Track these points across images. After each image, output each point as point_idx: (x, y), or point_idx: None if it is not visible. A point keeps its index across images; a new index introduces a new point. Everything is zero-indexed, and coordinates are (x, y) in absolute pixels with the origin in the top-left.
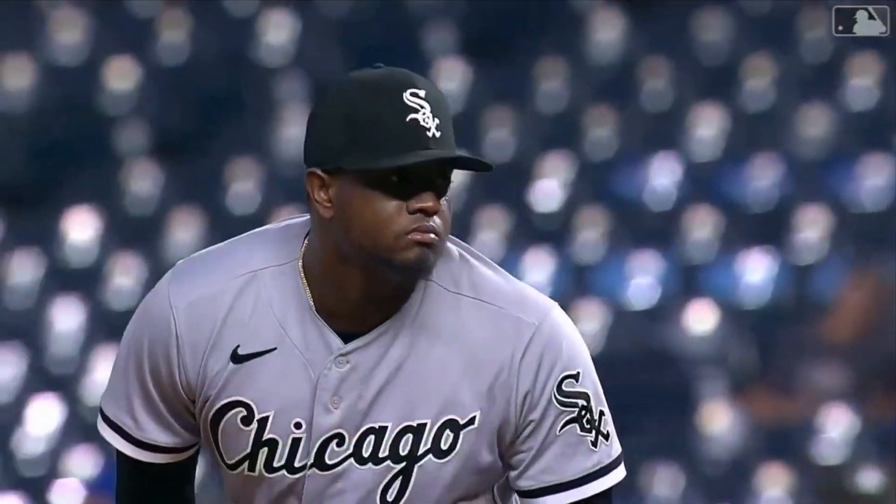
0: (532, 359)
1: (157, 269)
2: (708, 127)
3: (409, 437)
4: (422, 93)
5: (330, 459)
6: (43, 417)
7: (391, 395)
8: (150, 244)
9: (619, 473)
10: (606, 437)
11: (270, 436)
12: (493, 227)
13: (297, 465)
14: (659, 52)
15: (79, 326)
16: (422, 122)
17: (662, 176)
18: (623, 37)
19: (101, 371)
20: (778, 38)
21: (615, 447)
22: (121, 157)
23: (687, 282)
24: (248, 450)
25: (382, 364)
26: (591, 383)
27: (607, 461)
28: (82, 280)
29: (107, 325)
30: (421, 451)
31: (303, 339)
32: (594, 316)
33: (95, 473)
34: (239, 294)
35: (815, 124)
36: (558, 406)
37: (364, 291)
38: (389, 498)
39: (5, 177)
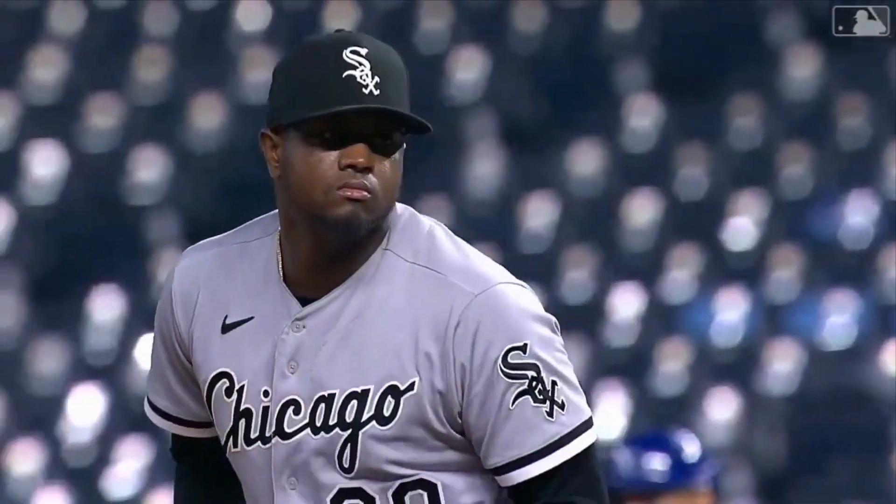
0: (467, 328)
1: None
2: None
3: (355, 403)
4: (363, 51)
5: (289, 428)
6: (87, 407)
7: (339, 361)
8: None
9: (584, 440)
10: (562, 406)
11: (246, 405)
12: (685, 265)
13: (267, 434)
14: (855, 89)
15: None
16: (358, 79)
17: (858, 214)
18: (818, 73)
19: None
20: None
21: (576, 415)
22: None
23: (884, 321)
24: (231, 423)
25: (333, 330)
26: (541, 354)
27: (566, 430)
28: None
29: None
30: (364, 417)
31: (271, 307)
32: (788, 356)
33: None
34: (226, 262)
35: None
36: (505, 379)
37: (313, 254)
38: (345, 465)
39: (197, 212)
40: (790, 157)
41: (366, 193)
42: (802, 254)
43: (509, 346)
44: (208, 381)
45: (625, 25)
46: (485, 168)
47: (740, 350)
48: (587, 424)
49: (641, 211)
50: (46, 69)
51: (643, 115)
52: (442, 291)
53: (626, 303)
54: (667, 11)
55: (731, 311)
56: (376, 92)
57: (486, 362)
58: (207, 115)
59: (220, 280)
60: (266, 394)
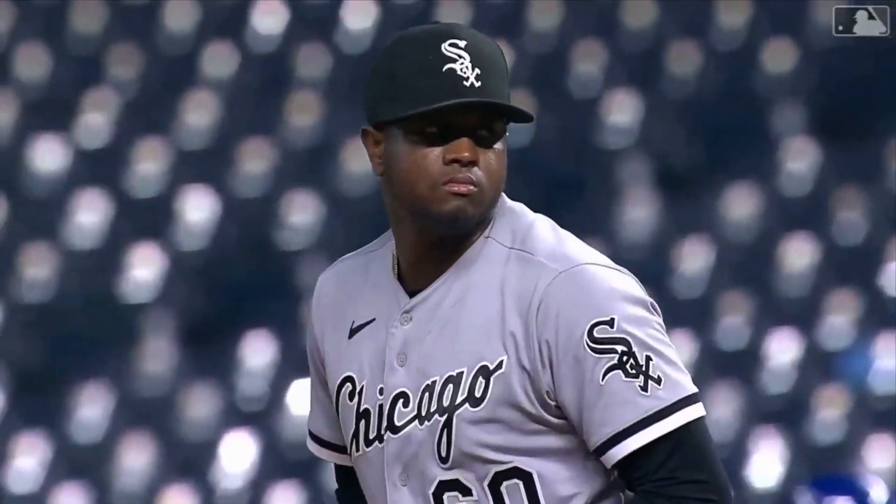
0: (549, 305)
1: None
2: None
3: (451, 387)
4: (462, 43)
5: (399, 421)
6: (239, 453)
7: (440, 347)
8: None
9: (686, 415)
10: (658, 381)
11: (365, 406)
12: (843, 311)
13: (381, 431)
14: None
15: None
16: (458, 72)
17: None
18: None
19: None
20: None
21: (675, 390)
22: None
23: None
24: (353, 426)
25: (435, 318)
26: (632, 330)
27: (664, 404)
28: None
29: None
30: (458, 400)
31: (387, 304)
32: None
33: None
34: (355, 271)
35: None
36: (593, 354)
37: (419, 246)
38: (442, 453)
39: None
40: None
41: (472, 187)
42: None
43: (595, 320)
44: (336, 388)
45: (781, 67)
46: (639, 212)
47: None
48: (690, 400)
49: (798, 255)
50: (199, 114)
51: (800, 158)
52: (528, 270)
53: (783, 349)
54: (824, 53)
55: (890, 358)
56: (477, 84)
57: (571, 339)
58: (360, 159)
59: (350, 289)
60: (381, 391)
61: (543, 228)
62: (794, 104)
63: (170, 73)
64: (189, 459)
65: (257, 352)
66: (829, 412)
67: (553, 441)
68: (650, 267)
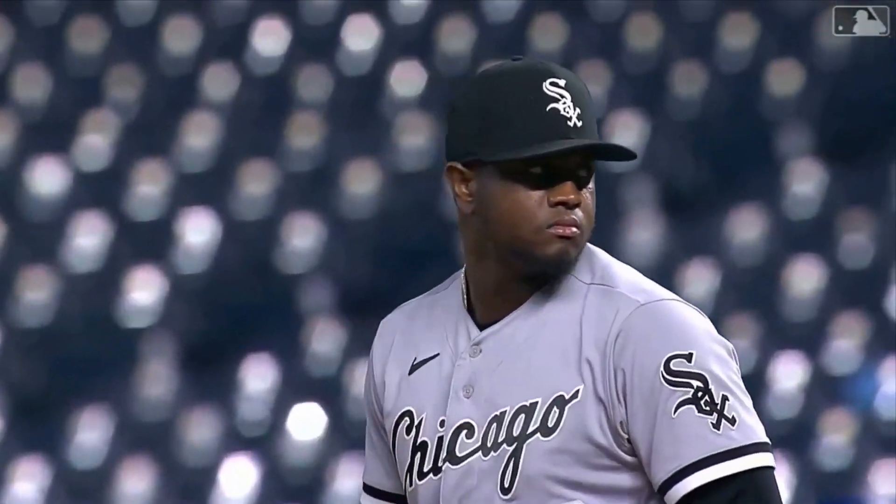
0: (628, 336)
1: None
2: None
3: (523, 416)
4: (562, 82)
5: (460, 452)
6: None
7: (511, 378)
8: None
9: (757, 460)
10: (732, 421)
11: (423, 438)
12: (849, 334)
13: (439, 464)
14: None
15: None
16: (562, 112)
17: None
18: None
19: None
20: None
21: (748, 433)
22: None
23: None
24: (409, 460)
25: (507, 349)
26: (711, 367)
27: (735, 445)
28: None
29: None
30: (530, 429)
31: (454, 338)
32: None
33: None
34: (420, 312)
35: None
36: (668, 386)
37: (502, 283)
38: (506, 484)
39: (351, 280)
40: None
41: (575, 230)
42: None
43: (672, 353)
44: (393, 425)
45: (787, 89)
46: (644, 234)
47: None
48: (762, 447)
49: (804, 278)
50: (199, 136)
51: (806, 180)
52: (608, 301)
53: (789, 373)
54: (830, 74)
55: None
56: (579, 124)
57: (647, 370)
58: (362, 181)
59: (413, 329)
60: (442, 423)
61: (622, 266)
62: (800, 126)
63: (170, 95)
64: (189, 484)
65: (258, 376)
66: (836, 437)
67: (620, 480)
68: None
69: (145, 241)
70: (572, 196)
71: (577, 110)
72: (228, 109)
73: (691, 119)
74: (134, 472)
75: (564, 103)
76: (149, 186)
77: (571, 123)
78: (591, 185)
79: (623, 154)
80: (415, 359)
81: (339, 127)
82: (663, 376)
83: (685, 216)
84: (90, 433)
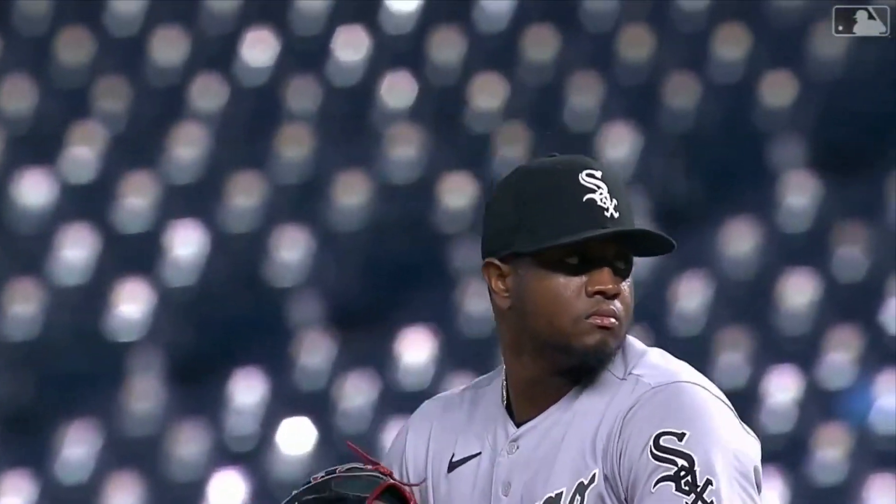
0: (635, 414)
1: None
2: None
3: None
4: (598, 173)
5: None
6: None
7: (543, 471)
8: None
9: None
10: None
11: None
12: (844, 348)
13: None
14: None
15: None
16: (599, 202)
17: None
18: None
19: None
20: None
21: None
22: (456, 275)
23: None
24: None
25: (541, 445)
26: (706, 450)
27: None
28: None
29: None
30: None
31: (493, 436)
32: None
33: None
34: (458, 406)
35: None
36: (653, 461)
37: (539, 378)
38: None
39: (341, 293)
40: None
41: (614, 321)
42: None
43: (665, 430)
44: None
45: (781, 101)
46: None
47: None
48: None
49: (798, 292)
50: (188, 148)
51: (800, 193)
52: (633, 390)
53: (782, 387)
54: (824, 86)
55: (891, 396)
56: (616, 214)
57: (639, 442)
58: (351, 193)
59: (453, 422)
60: None
61: (654, 355)
62: (794, 137)
63: (158, 106)
64: (177, 500)
65: (247, 389)
66: (831, 452)
67: None
68: (648, 304)
69: (133, 253)
70: (610, 285)
71: (614, 201)
72: (217, 120)
73: (684, 131)
74: (121, 487)
75: (601, 194)
76: (136, 198)
77: (608, 214)
78: (629, 279)
79: (661, 243)
80: (453, 455)
81: (329, 138)
82: (651, 451)
83: (678, 229)
84: (77, 448)
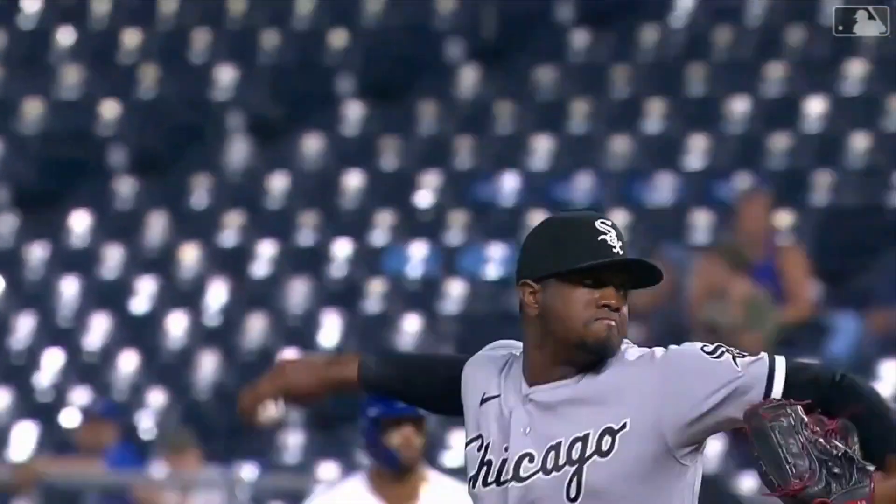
0: (669, 361)
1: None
2: None
3: (579, 444)
4: (608, 223)
5: (524, 473)
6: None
7: (564, 418)
8: None
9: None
10: (737, 357)
11: (489, 457)
12: (383, 223)
13: (502, 479)
14: None
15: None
16: (609, 241)
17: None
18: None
19: None
20: None
21: (746, 363)
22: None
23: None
24: (475, 469)
25: (554, 399)
26: (729, 353)
27: (740, 364)
28: None
29: None
30: (588, 453)
31: (512, 389)
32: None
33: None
34: (498, 361)
35: None
36: (668, 352)
37: (555, 363)
38: (572, 494)
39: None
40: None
41: (614, 323)
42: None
43: (701, 345)
44: (467, 440)
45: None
46: (237, 155)
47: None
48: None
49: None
50: None
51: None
52: (642, 355)
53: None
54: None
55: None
56: (621, 252)
57: (685, 358)
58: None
59: (490, 370)
60: (506, 449)
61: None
62: (348, 74)
63: None
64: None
65: None
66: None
67: (671, 481)
68: (245, 195)
69: None
70: (614, 301)
71: (620, 243)
72: None
73: (273, 63)
74: None
75: (611, 236)
76: None
77: (616, 250)
78: (626, 305)
79: (652, 274)
80: (484, 393)
81: (15, 71)
82: (703, 350)
83: (268, 140)
84: None
